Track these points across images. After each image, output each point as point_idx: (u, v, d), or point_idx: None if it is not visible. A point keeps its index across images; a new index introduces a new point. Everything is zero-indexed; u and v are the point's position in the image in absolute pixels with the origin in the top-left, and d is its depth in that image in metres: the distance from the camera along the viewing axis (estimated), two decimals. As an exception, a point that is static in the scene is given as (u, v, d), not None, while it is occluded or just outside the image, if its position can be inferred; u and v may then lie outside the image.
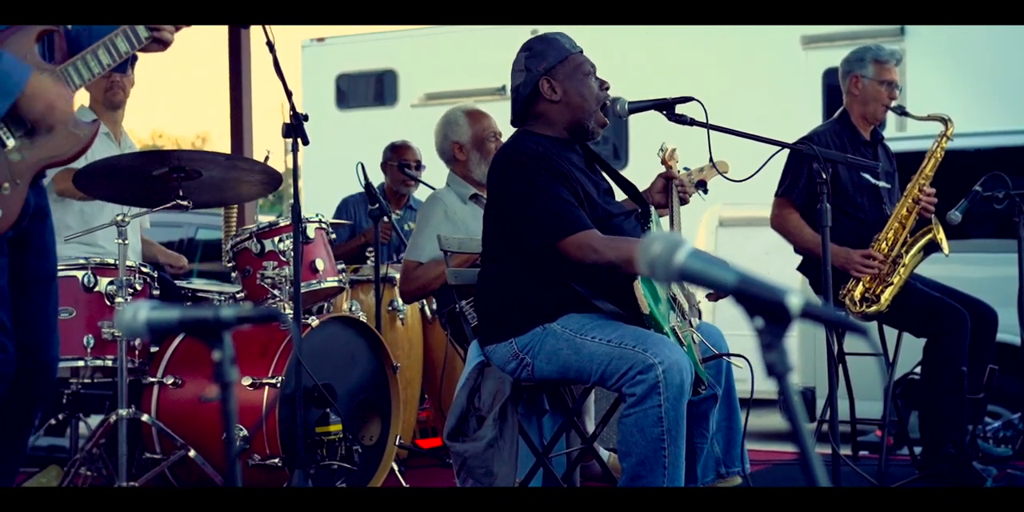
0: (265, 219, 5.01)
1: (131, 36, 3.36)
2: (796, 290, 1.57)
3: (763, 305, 1.58)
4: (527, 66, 3.84)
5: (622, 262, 3.55)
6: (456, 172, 5.17)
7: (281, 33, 4.15)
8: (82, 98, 5.19)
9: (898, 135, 7.15)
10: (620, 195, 4.09)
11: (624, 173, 4.20)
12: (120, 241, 4.21)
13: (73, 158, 3.39)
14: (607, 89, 3.88)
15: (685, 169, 4.74)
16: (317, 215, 4.84)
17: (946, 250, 4.95)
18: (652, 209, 3.97)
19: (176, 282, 5.12)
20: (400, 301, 5.56)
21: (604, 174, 4.03)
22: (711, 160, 4.16)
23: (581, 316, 3.67)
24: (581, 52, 3.89)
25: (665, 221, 4.09)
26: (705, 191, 4.55)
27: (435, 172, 6.49)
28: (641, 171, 4.37)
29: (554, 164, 3.69)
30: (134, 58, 5.13)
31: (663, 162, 4.15)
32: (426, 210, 5.08)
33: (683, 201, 4.12)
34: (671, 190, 4.08)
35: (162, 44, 3.43)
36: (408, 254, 5.02)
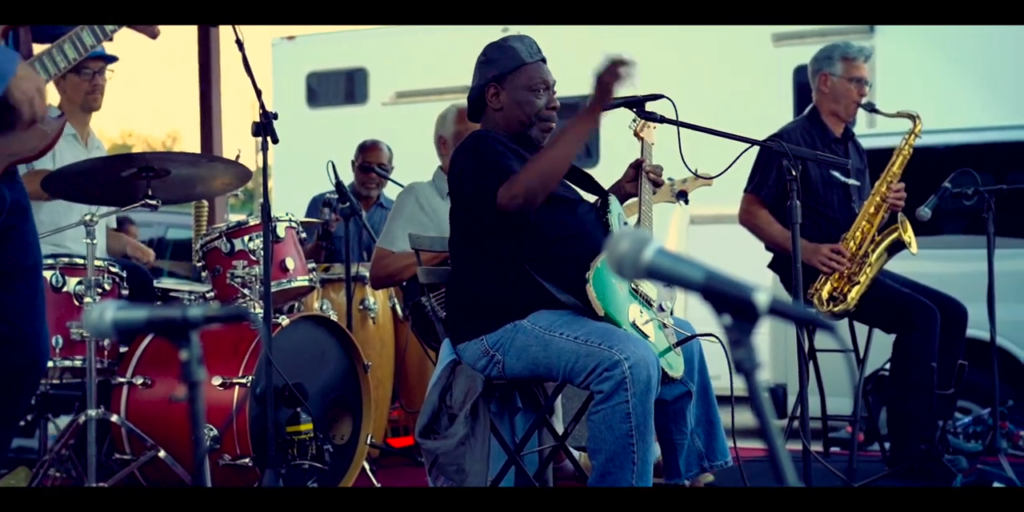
0: (235, 218, 4.99)
1: (96, 30, 3.35)
2: (764, 287, 1.57)
3: (731, 302, 1.58)
4: (479, 71, 3.93)
5: (539, 177, 3.59)
6: (443, 167, 5.20)
7: (251, 32, 4.14)
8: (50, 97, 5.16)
9: (868, 132, 7.17)
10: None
11: (595, 171, 4.20)
12: (88, 241, 4.19)
13: (41, 154, 3.38)
14: (554, 109, 3.91)
15: (669, 180, 4.75)
16: (287, 214, 4.83)
17: (914, 249, 4.96)
18: (611, 198, 3.98)
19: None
20: (371, 300, 5.57)
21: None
22: (694, 172, 4.18)
23: (550, 313, 3.67)
24: (542, 61, 3.93)
25: (635, 208, 4.09)
26: (686, 201, 4.55)
27: (399, 171, 6.50)
28: (613, 169, 4.36)
29: (504, 147, 3.76)
30: (113, 58, 5.12)
31: (636, 134, 4.14)
32: (400, 200, 5.14)
33: (656, 184, 4.11)
34: (640, 178, 4.07)
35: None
36: (381, 241, 5.06)
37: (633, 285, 3.78)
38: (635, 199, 4.13)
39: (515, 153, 3.77)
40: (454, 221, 3.89)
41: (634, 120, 4.15)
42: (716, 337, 3.24)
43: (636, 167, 4.11)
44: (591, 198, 4.04)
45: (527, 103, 3.87)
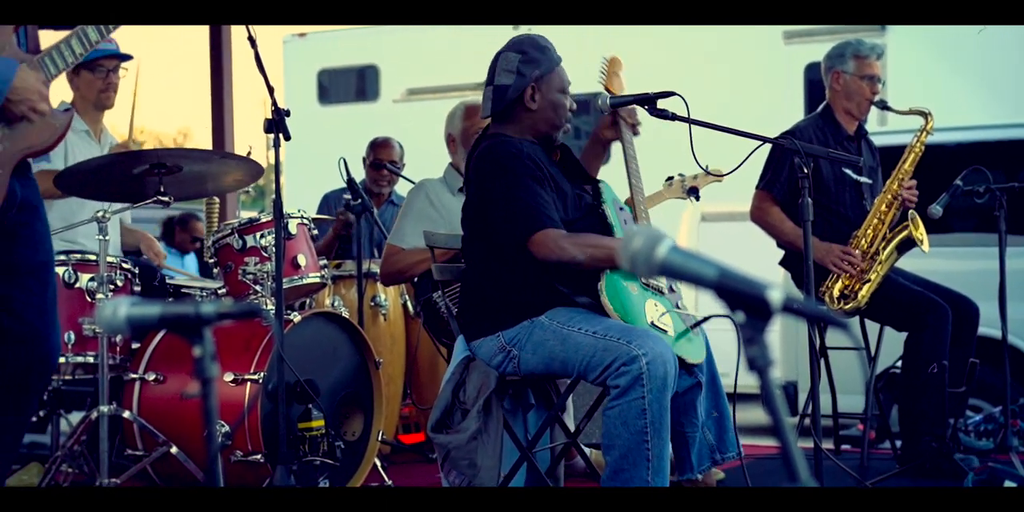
0: (247, 215, 4.99)
1: (100, 26, 3.37)
2: (777, 285, 1.57)
3: (744, 299, 1.58)
4: (520, 69, 3.85)
5: (589, 260, 3.59)
6: (453, 163, 5.20)
7: (262, 29, 4.14)
8: (63, 94, 5.18)
9: (880, 130, 7.16)
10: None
11: (608, 168, 4.19)
12: (100, 237, 4.20)
13: (51, 147, 3.41)
14: (574, 111, 3.95)
15: (680, 176, 4.73)
16: (299, 210, 4.83)
17: (926, 247, 4.95)
18: (602, 185, 3.97)
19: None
20: (383, 296, 5.57)
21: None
22: (705, 168, 4.17)
23: (568, 309, 3.68)
24: (561, 64, 3.93)
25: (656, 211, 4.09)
26: (697, 198, 4.54)
27: (411, 168, 6.50)
28: (624, 166, 4.36)
29: (534, 166, 3.71)
30: (127, 56, 5.13)
31: (606, 88, 4.13)
32: (411, 197, 5.13)
33: (635, 131, 4.08)
34: (619, 124, 4.06)
35: None
36: (391, 238, 5.06)
37: (644, 281, 3.78)
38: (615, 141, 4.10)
39: (543, 169, 3.75)
40: (467, 221, 3.88)
41: (602, 72, 4.14)
42: (731, 318, 3.25)
43: (614, 114, 4.08)
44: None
45: (560, 106, 3.88)
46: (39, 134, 3.32)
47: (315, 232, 4.91)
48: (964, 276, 6.06)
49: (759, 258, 5.68)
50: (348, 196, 5.48)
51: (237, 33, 6.65)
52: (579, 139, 10.50)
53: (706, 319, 3.83)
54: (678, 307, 3.82)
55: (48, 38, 3.40)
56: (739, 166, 3.94)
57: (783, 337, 7.13)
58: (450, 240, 4.34)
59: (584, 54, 4.86)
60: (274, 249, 4.24)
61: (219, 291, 4.80)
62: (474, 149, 3.91)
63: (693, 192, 4.73)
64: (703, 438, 3.93)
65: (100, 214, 4.20)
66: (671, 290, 3.86)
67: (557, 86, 3.88)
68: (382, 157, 6.49)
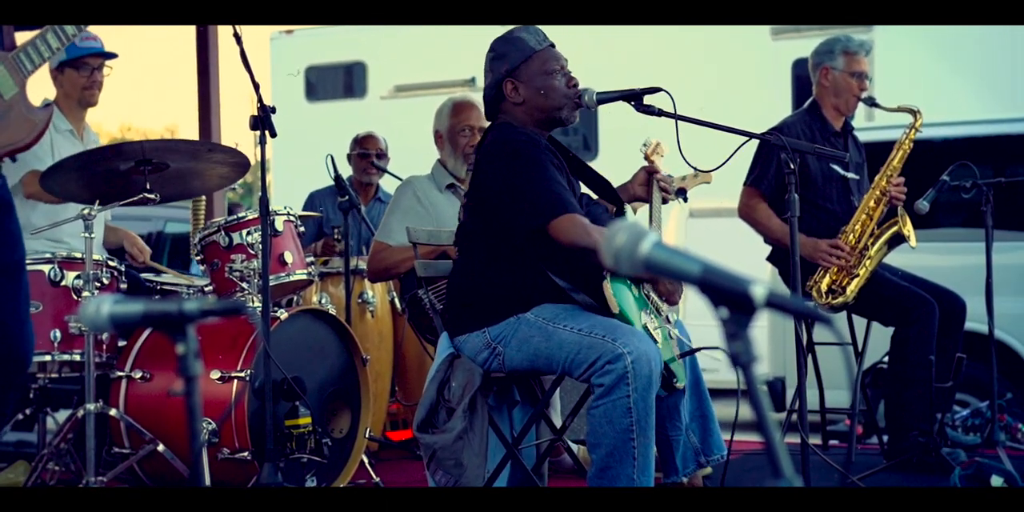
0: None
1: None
2: (760, 280, 1.57)
3: (728, 295, 1.58)
4: (491, 68, 3.87)
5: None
6: (440, 160, 5.20)
7: (249, 26, 4.14)
8: (46, 91, 5.16)
9: (866, 125, 7.17)
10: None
11: (594, 164, 4.18)
12: (86, 235, 4.19)
13: (31, 144, 3.39)
14: (575, 86, 3.86)
15: (668, 177, 4.74)
16: (286, 208, 4.82)
17: (913, 243, 4.96)
18: (627, 208, 3.97)
19: (144, 276, 5.09)
20: (370, 293, 5.57)
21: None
22: (695, 170, 4.17)
23: (555, 306, 3.67)
24: (551, 46, 3.88)
25: (644, 215, 4.08)
26: (685, 199, 4.54)
27: (399, 165, 6.50)
28: (611, 162, 4.37)
29: (545, 152, 3.71)
30: (112, 54, 5.12)
31: (646, 157, 4.13)
32: (398, 194, 5.14)
33: (664, 199, 4.09)
34: (652, 185, 4.05)
35: None
36: (378, 235, 5.07)
37: (645, 292, 3.77)
38: (642, 202, 4.12)
39: (558, 159, 3.76)
40: (470, 213, 3.85)
41: (645, 143, 4.13)
42: (721, 349, 3.25)
43: (649, 173, 4.08)
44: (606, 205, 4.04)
45: (549, 88, 3.81)
46: (18, 131, 3.30)
47: (302, 229, 4.90)
48: (951, 271, 6.07)
49: (747, 254, 5.69)
50: (342, 198, 5.45)
51: (224, 30, 6.63)
52: (566, 135, 10.49)
53: (695, 351, 3.83)
54: (671, 336, 3.81)
55: (25, 39, 3.38)
56: (725, 162, 3.94)
57: (771, 333, 7.14)
58: (433, 236, 4.33)
59: (580, 53, 4.85)
60: (261, 246, 4.22)
61: (206, 288, 4.79)
62: (484, 139, 3.89)
63: (681, 193, 4.73)
64: (687, 441, 3.92)
65: (86, 212, 4.18)
66: (667, 320, 3.85)
67: (538, 70, 3.82)
68: (368, 147, 6.55)
